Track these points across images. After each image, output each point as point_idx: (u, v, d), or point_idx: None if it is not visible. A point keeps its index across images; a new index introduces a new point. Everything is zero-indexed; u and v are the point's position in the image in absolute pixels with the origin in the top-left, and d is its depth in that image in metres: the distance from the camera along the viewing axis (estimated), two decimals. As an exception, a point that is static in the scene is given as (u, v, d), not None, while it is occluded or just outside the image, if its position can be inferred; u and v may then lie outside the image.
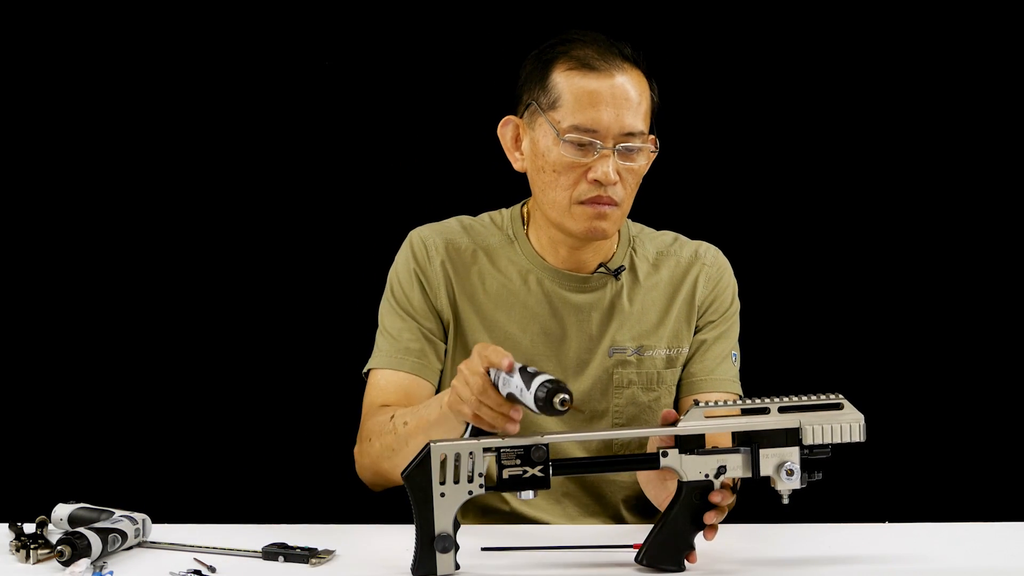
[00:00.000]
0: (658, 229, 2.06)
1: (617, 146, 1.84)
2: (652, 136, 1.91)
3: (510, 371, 1.56)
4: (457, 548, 1.56)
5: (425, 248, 1.97)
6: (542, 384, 1.50)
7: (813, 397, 1.60)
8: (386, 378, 1.94)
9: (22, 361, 2.66)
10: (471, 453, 1.55)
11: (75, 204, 2.65)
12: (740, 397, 1.97)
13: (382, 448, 1.84)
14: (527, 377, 1.53)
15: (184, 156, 2.66)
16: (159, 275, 2.66)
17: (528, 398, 1.52)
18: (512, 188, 2.03)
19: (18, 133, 2.64)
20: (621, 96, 1.84)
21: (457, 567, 1.57)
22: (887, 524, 1.83)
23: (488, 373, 1.58)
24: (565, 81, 1.85)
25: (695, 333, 1.99)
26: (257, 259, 2.67)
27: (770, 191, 2.65)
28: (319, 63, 2.64)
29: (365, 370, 1.98)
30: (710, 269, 2.00)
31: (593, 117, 1.83)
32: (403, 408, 1.86)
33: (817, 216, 2.66)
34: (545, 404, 1.50)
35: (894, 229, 2.66)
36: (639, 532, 1.63)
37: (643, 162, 1.88)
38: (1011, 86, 2.62)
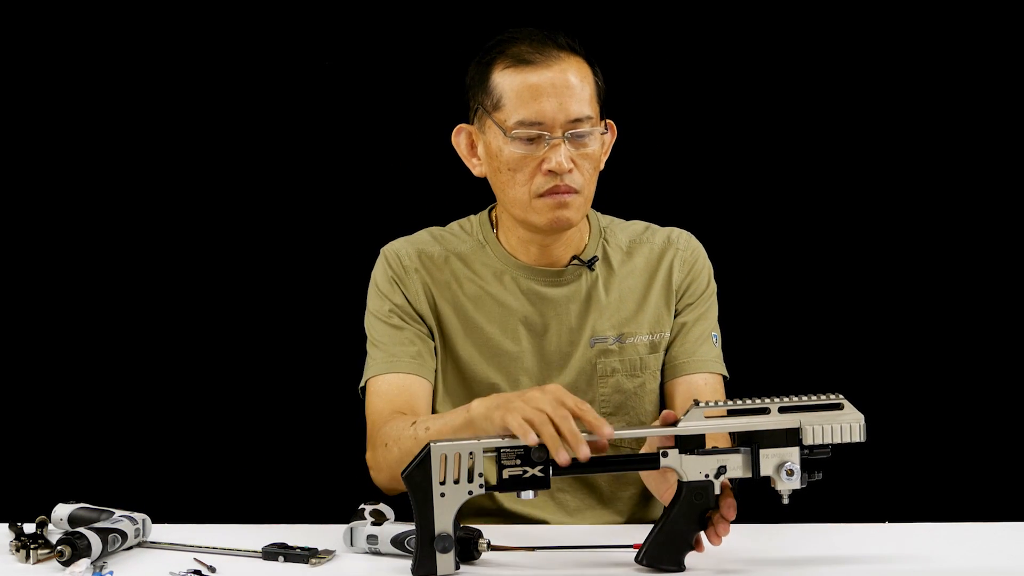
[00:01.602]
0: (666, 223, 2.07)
1: (566, 134, 1.85)
2: (608, 120, 1.93)
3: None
4: (457, 548, 1.56)
5: (399, 259, 1.99)
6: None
7: (813, 397, 1.60)
8: (386, 382, 1.93)
9: (22, 361, 2.66)
10: (471, 453, 1.55)
11: (75, 205, 2.65)
12: (724, 378, 1.99)
13: (400, 453, 1.80)
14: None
15: (186, 158, 2.66)
16: (159, 276, 2.67)
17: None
18: (480, 194, 2.03)
19: (18, 133, 2.64)
20: (561, 85, 1.85)
21: (457, 567, 1.57)
22: (887, 524, 1.83)
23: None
24: (504, 80, 1.87)
25: (675, 317, 1.99)
26: (256, 260, 2.67)
27: (771, 190, 2.65)
28: (311, 69, 2.64)
29: (362, 384, 1.97)
30: (684, 252, 2.01)
31: (536, 110, 1.84)
32: (424, 415, 1.86)
33: (818, 216, 2.66)
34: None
35: (894, 229, 2.66)
36: (639, 532, 1.63)
37: (595, 147, 1.88)
38: (999, 74, 2.62)
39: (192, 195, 2.67)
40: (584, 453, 1.54)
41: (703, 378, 1.96)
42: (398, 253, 2.00)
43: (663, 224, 2.05)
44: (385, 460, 1.85)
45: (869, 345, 2.65)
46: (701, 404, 1.59)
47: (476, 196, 2.03)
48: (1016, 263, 2.64)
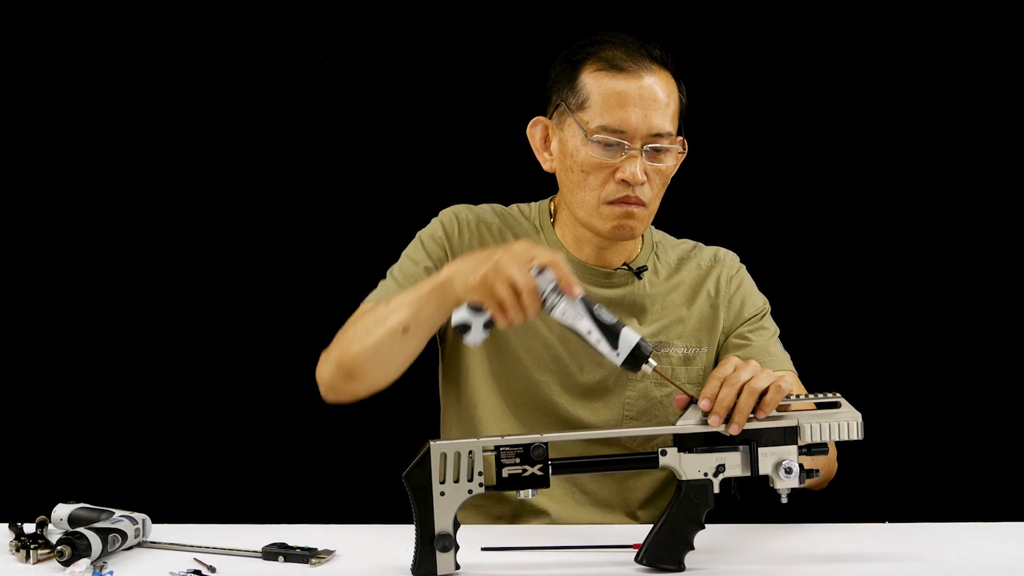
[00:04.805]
0: (659, 228, 2.08)
1: (645, 147, 1.85)
2: (680, 137, 1.93)
3: (572, 296, 1.57)
4: (457, 548, 1.57)
5: (457, 222, 1.98)
6: (638, 346, 1.55)
7: (811, 395, 1.60)
8: None
9: (22, 361, 2.66)
10: (471, 452, 1.55)
11: (76, 204, 2.66)
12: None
13: (355, 332, 1.78)
14: (602, 325, 1.57)
15: (194, 156, 2.67)
16: (159, 276, 2.67)
17: (604, 347, 1.56)
18: (538, 186, 2.04)
19: (18, 133, 2.64)
20: (649, 97, 1.85)
21: (457, 567, 1.57)
22: (887, 524, 1.83)
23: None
24: (594, 82, 1.87)
25: (731, 336, 2.00)
26: (258, 261, 2.67)
27: (770, 190, 2.65)
28: (333, 63, 2.64)
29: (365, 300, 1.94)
30: (729, 271, 2.03)
31: (621, 118, 1.84)
32: None
33: (816, 216, 2.66)
34: (633, 364, 1.56)
35: (893, 229, 2.66)
36: (639, 532, 1.63)
37: (671, 163, 1.89)
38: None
39: (190, 193, 2.67)
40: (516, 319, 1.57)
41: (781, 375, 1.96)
42: (457, 214, 1.99)
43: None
44: (337, 344, 1.81)
45: (869, 345, 2.65)
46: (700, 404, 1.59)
47: (537, 186, 2.04)
48: (1016, 263, 2.64)
